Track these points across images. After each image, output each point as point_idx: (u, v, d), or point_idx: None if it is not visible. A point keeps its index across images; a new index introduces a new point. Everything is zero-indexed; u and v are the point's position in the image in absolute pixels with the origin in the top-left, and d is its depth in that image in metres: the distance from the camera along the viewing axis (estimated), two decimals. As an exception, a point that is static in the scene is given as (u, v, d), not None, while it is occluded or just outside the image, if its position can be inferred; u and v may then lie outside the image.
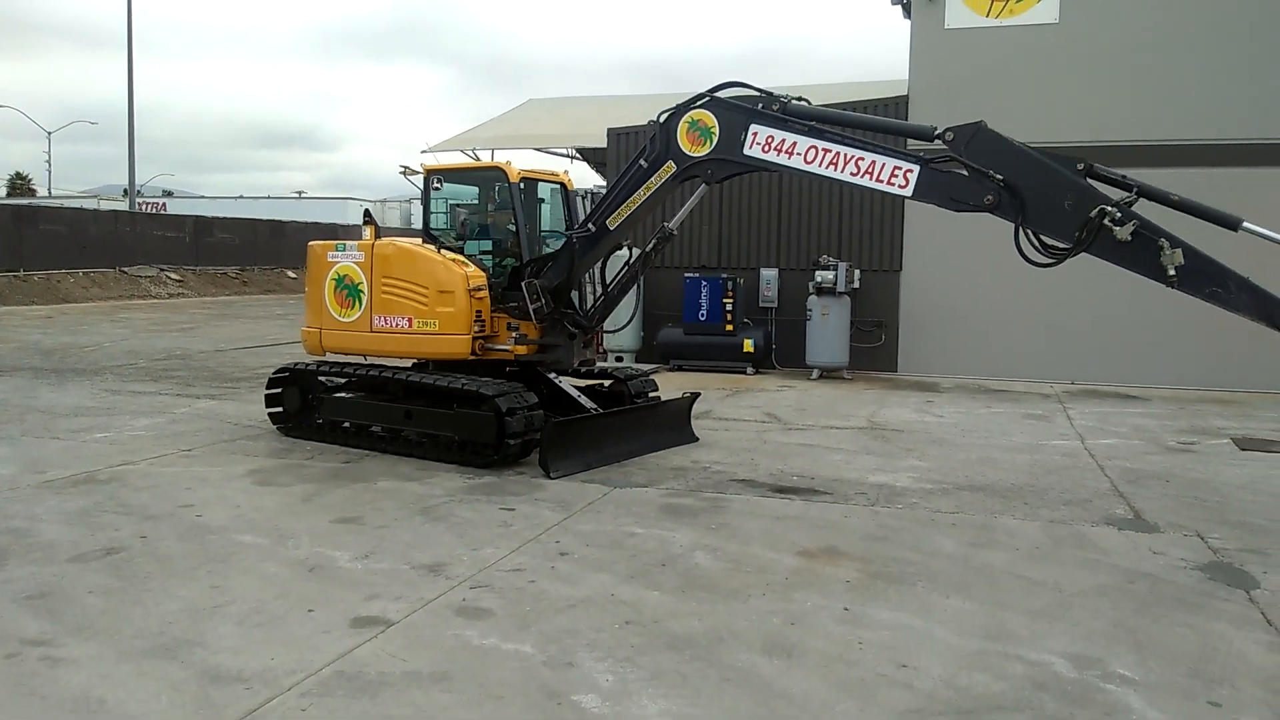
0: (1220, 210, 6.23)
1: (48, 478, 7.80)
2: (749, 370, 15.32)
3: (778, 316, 16.04)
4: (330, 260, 9.56)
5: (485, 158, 20.27)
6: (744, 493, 7.79)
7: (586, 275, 9.24)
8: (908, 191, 6.90)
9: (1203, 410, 12.44)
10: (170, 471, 8.12)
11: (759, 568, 5.92)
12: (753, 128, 7.47)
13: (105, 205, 45.55)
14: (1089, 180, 6.38)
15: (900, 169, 6.88)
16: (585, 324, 9.08)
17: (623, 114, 17.82)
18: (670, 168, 7.99)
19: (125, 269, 31.91)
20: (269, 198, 59.96)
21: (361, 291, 9.32)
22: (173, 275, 33.47)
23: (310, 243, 10.03)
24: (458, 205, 9.87)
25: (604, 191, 9.58)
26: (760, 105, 7.53)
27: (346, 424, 9.38)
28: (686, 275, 15.71)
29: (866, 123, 7.85)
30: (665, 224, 8.75)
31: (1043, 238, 6.55)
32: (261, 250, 39.28)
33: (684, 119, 7.85)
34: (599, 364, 9.87)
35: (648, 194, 8.19)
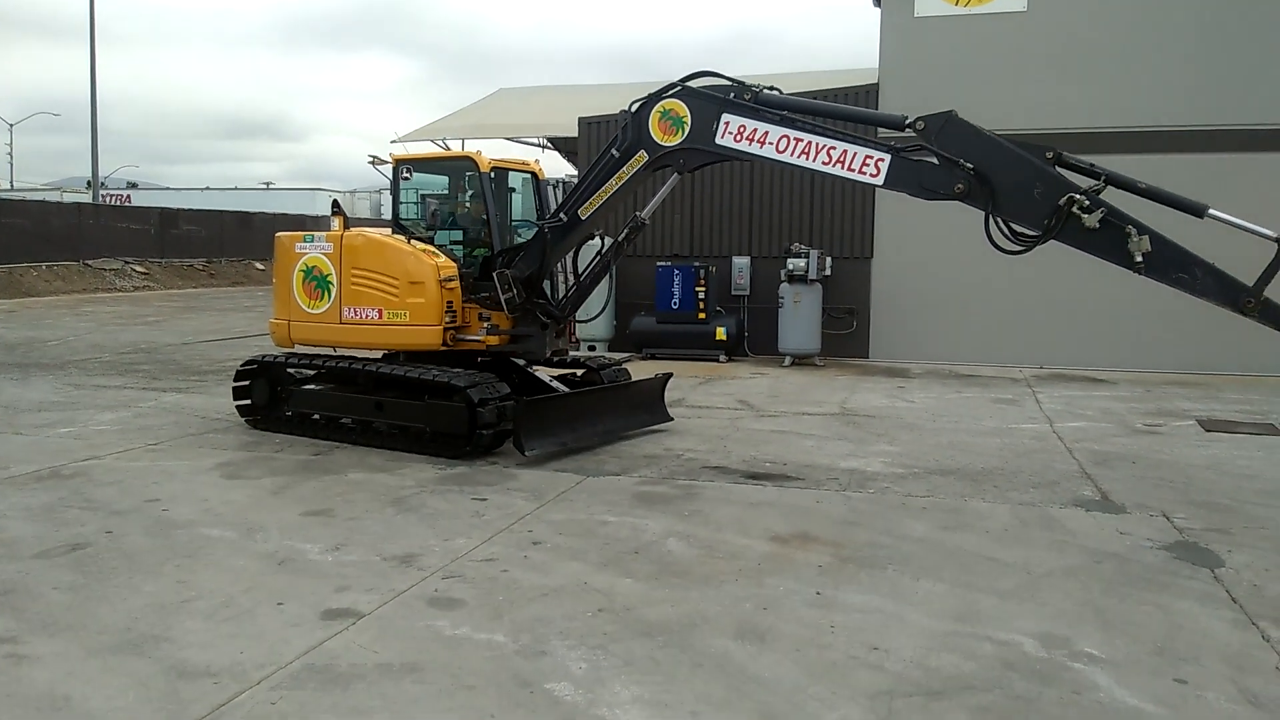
0: (1186, 197, 6.31)
1: (11, 473, 7.67)
2: (722, 358, 15.34)
3: (750, 304, 16.09)
4: (298, 251, 9.46)
5: (455, 147, 20.19)
6: (716, 480, 7.81)
7: (558, 265, 9.21)
8: (879, 180, 6.94)
9: (1168, 393, 12.62)
10: (136, 466, 8.01)
11: (731, 554, 5.93)
12: (725, 117, 7.47)
13: (68, 198, 44.75)
14: (1058, 169, 6.45)
15: (871, 158, 6.91)
16: (557, 314, 9.05)
17: (594, 103, 17.75)
18: (642, 157, 7.99)
19: (89, 262, 31.38)
20: (236, 189, 59.01)
21: (330, 283, 9.23)
22: (138, 268, 32.98)
23: (278, 234, 9.93)
24: (428, 195, 9.79)
25: (575, 181, 9.53)
26: (732, 95, 7.54)
27: (316, 416, 9.31)
28: (659, 264, 15.71)
29: (838, 112, 7.88)
30: (637, 213, 8.73)
31: (1012, 225, 6.61)
32: (228, 242, 38.81)
33: (656, 108, 7.84)
34: (571, 353, 9.85)
35: (619, 183, 8.18)
